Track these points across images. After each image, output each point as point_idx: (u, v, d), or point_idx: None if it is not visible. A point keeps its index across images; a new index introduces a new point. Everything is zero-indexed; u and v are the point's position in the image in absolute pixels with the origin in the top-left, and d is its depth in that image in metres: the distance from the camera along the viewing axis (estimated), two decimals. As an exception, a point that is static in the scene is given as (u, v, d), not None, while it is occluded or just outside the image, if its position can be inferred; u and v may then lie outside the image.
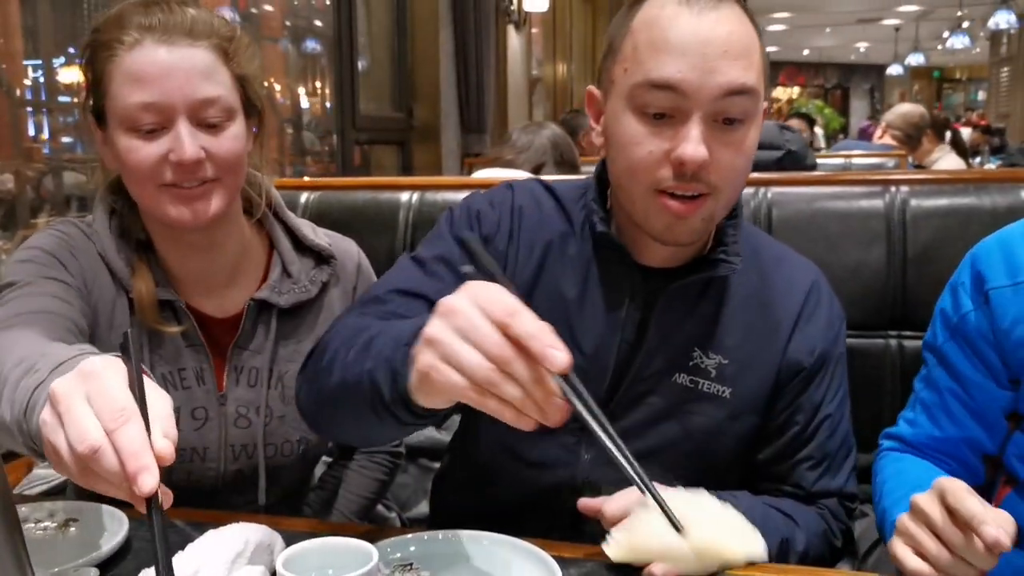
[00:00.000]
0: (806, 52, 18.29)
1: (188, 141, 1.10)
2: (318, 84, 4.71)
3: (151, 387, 0.72)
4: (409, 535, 1.03)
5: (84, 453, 0.66)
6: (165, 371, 1.21)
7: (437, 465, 1.72)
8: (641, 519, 0.93)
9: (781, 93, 20.79)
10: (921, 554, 0.90)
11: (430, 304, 1.05)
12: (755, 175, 2.38)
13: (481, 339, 0.75)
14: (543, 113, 8.15)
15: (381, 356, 0.89)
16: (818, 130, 7.07)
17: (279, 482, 1.30)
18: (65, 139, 3.12)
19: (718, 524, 0.94)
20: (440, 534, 1.04)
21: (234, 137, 1.15)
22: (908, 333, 1.49)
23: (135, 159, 1.11)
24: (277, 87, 4.29)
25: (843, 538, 1.19)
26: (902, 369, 1.46)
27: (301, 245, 1.31)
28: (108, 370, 0.71)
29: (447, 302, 0.78)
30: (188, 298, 1.23)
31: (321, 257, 1.31)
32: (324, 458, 1.49)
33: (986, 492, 1.15)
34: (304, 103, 4.67)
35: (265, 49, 4.20)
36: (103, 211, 1.23)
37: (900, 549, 0.92)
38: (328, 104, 4.51)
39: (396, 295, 1.12)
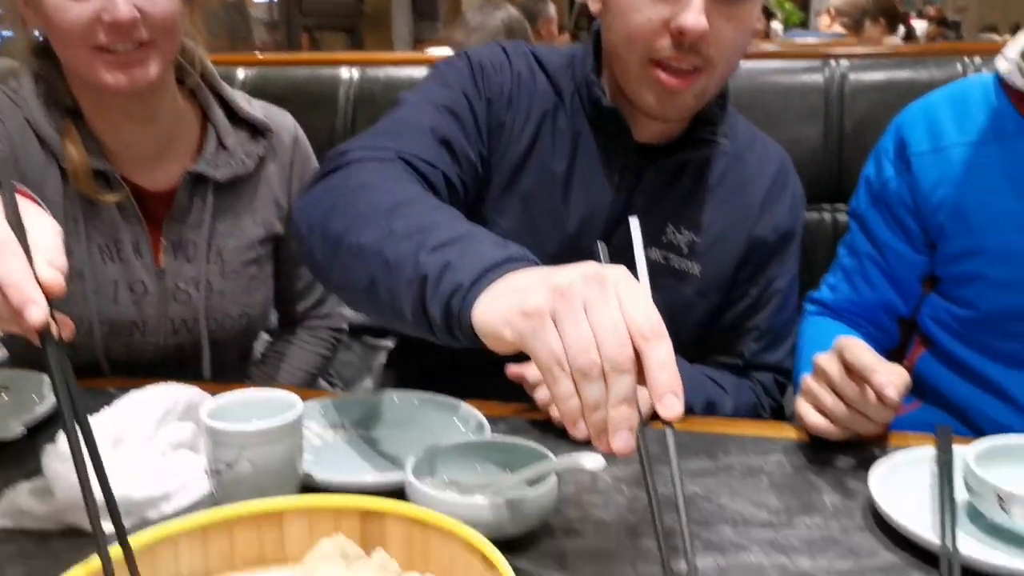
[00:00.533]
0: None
1: (122, 0, 1.05)
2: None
3: (35, 216, 0.67)
4: (339, 396, 1.05)
5: None
6: (101, 242, 1.19)
7: (381, 342, 1.74)
8: None
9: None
10: (821, 410, 0.93)
11: (453, 155, 1.03)
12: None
13: (608, 332, 0.59)
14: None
15: (438, 270, 0.71)
16: (777, 24, 6.96)
17: (221, 356, 1.30)
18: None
19: None
20: (371, 394, 1.06)
21: None
22: (842, 206, 1.51)
23: (65, 19, 1.06)
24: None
25: (772, 414, 1.23)
26: (834, 240, 1.47)
27: (236, 117, 1.28)
28: None
29: (589, 270, 0.62)
30: (120, 169, 1.20)
31: (256, 130, 1.28)
32: (264, 336, 1.50)
33: (901, 353, 1.19)
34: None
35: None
36: (28, 76, 1.18)
37: (803, 407, 0.95)
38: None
39: (431, 139, 1.02)
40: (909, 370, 1.16)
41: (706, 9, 0.98)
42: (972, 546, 0.75)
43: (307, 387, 1.44)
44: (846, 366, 0.89)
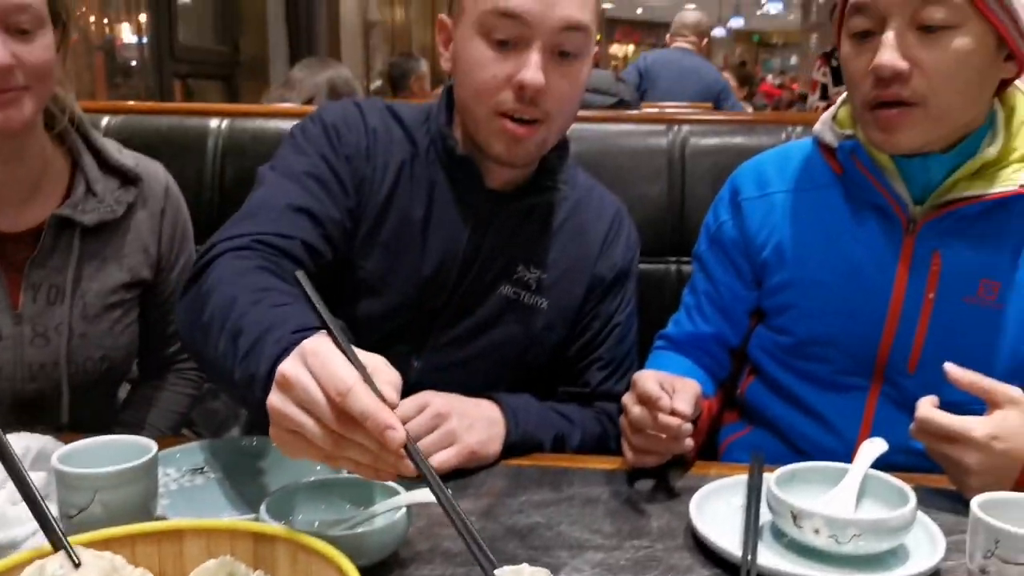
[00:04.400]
0: (639, 11, 18.83)
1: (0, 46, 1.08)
2: (141, 18, 4.46)
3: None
4: (198, 442, 1.08)
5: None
6: None
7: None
8: None
9: (618, 50, 21.29)
10: (630, 444, 1.04)
11: (313, 219, 1.12)
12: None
13: (319, 415, 0.72)
14: (381, 58, 8.04)
15: (247, 369, 0.83)
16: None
17: (82, 403, 1.30)
18: None
19: None
20: (231, 439, 1.09)
21: (45, 46, 1.14)
22: (685, 259, 1.63)
23: None
24: (91, 18, 4.03)
25: (618, 442, 1.32)
26: (679, 288, 1.60)
27: (107, 164, 1.30)
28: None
29: (286, 373, 0.73)
30: None
31: (127, 178, 1.31)
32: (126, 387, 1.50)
33: (734, 382, 1.32)
34: (125, 35, 4.41)
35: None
36: None
37: (622, 443, 1.06)
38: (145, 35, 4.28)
39: (287, 212, 1.10)
40: (741, 397, 1.29)
41: (543, 67, 1.09)
42: (770, 559, 0.84)
43: (176, 431, 1.45)
44: (640, 399, 0.99)
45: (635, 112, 2.21)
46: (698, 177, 1.64)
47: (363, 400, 0.70)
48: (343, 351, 0.74)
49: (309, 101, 2.86)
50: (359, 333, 1.17)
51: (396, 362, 1.19)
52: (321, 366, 0.72)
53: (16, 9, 1.10)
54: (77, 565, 0.64)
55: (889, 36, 1.05)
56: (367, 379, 0.73)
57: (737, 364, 1.32)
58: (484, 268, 1.22)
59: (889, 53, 1.05)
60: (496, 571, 0.70)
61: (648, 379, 1.00)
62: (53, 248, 1.24)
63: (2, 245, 1.21)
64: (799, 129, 1.63)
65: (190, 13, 4.53)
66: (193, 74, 4.53)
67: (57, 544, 0.66)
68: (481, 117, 1.14)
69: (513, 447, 1.12)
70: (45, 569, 0.64)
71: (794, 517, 0.84)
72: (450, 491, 0.74)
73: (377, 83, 7.59)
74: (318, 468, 1.01)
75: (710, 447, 1.33)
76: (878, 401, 1.17)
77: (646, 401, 0.99)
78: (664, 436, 0.99)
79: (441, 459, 1.03)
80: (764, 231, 1.24)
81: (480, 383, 1.19)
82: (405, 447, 0.72)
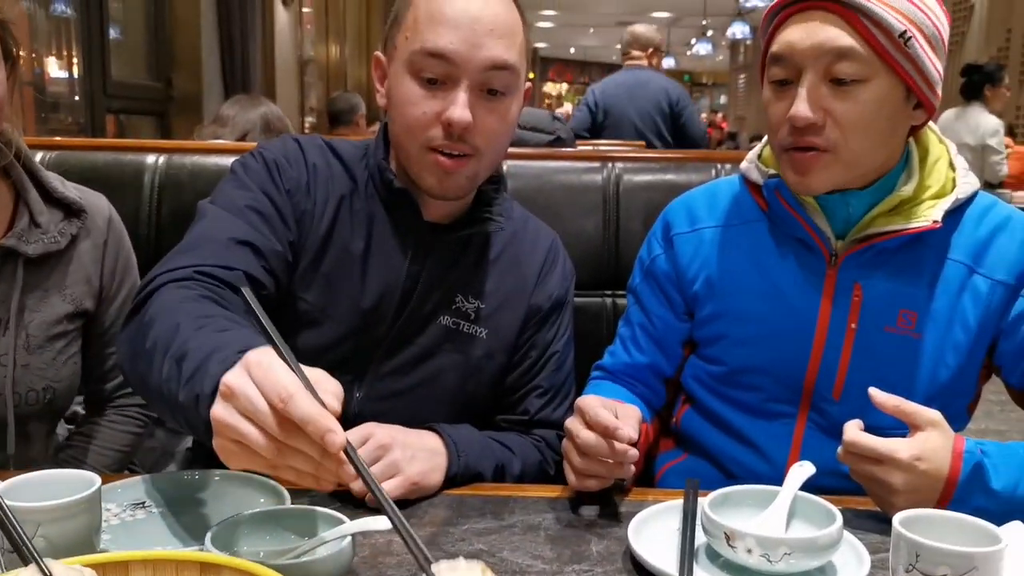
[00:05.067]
0: (572, 51, 19.22)
1: None
2: (70, 53, 4.39)
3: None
4: (138, 477, 1.07)
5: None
6: None
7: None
8: None
9: (551, 88, 21.65)
10: (575, 468, 1.06)
11: (256, 252, 1.14)
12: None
13: (262, 423, 0.75)
14: (316, 95, 8.04)
15: (192, 389, 0.84)
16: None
17: (26, 434, 1.28)
18: None
19: None
20: (172, 474, 1.08)
21: (2, 83, 1.14)
22: (620, 292, 1.68)
23: None
24: (22, 53, 3.95)
25: (556, 468, 1.35)
26: (615, 322, 1.65)
27: (50, 197, 1.30)
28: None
29: (230, 383, 0.77)
30: None
31: (71, 210, 1.31)
32: (65, 425, 1.47)
33: (669, 411, 1.36)
34: (54, 70, 4.34)
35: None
36: None
37: (565, 468, 1.09)
38: (76, 71, 4.22)
39: (230, 244, 1.12)
40: (676, 426, 1.33)
41: (471, 104, 1.14)
42: (706, 578, 0.88)
43: (117, 468, 1.43)
44: (592, 426, 1.02)
45: (571, 150, 2.27)
46: (632, 212, 1.69)
47: (304, 406, 0.73)
48: (286, 362, 0.77)
49: (243, 137, 2.86)
50: (301, 363, 1.17)
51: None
52: (264, 375, 0.75)
53: None
54: None
55: (803, 89, 1.12)
56: (309, 388, 0.75)
57: (672, 393, 1.36)
58: (423, 298, 1.24)
59: (802, 105, 1.12)
60: (432, 566, 0.73)
61: (596, 406, 1.03)
62: None
63: None
64: (728, 166, 1.70)
65: (122, 48, 4.49)
66: (126, 110, 4.47)
67: (26, 559, 0.66)
68: (413, 152, 1.18)
69: (455, 478, 1.14)
70: None
71: (727, 538, 0.88)
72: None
73: (310, 119, 7.60)
74: (261, 500, 1.01)
75: (647, 474, 1.37)
76: (806, 427, 1.22)
77: (600, 429, 1.01)
78: (611, 461, 1.02)
79: (384, 490, 1.04)
80: (695, 264, 1.29)
81: (422, 413, 1.20)
82: (345, 452, 0.75)
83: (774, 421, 1.23)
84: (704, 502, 0.93)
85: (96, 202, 1.37)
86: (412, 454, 1.09)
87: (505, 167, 1.74)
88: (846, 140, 1.13)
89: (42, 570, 0.65)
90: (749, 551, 0.86)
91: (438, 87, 1.15)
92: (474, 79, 1.14)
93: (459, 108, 1.13)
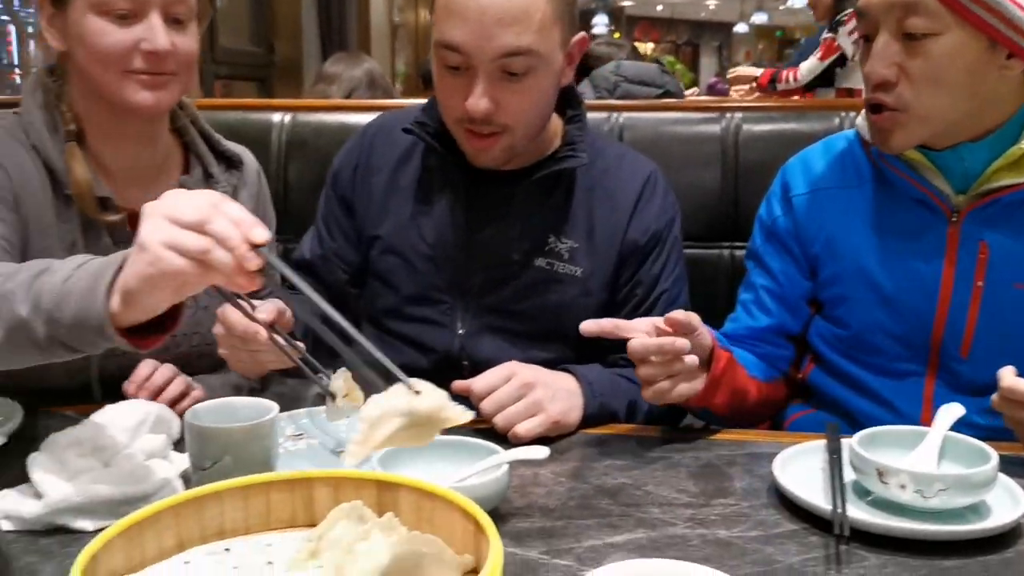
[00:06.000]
0: (659, 8, 18.81)
1: (162, 33, 1.16)
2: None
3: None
4: (302, 409, 1.14)
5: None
6: None
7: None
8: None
9: (639, 47, 21.24)
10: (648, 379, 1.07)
11: (325, 260, 1.37)
12: (609, 102, 2.54)
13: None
14: (405, 59, 8.11)
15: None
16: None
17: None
18: None
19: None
20: (322, 409, 1.14)
21: (193, 37, 1.22)
22: (738, 244, 1.67)
23: (107, 42, 1.15)
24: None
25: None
26: (732, 274, 1.65)
27: (216, 150, 1.37)
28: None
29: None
30: (117, 193, 1.25)
31: (231, 162, 1.38)
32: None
33: (796, 367, 1.35)
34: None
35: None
36: (37, 103, 1.23)
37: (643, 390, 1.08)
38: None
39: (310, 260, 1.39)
40: (803, 381, 1.33)
41: (490, 90, 1.16)
42: (856, 514, 0.88)
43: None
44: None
45: (687, 100, 2.25)
46: (752, 163, 1.68)
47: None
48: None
49: (349, 94, 2.91)
50: (399, 317, 1.32)
51: (439, 339, 1.30)
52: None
53: (176, 0, 1.17)
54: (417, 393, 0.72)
55: (877, 44, 1.10)
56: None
57: (799, 350, 1.35)
58: (514, 242, 1.28)
59: (874, 61, 1.10)
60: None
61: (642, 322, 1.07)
62: None
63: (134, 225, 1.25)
64: (852, 115, 1.66)
65: (227, 16, 4.62)
66: (232, 75, 4.62)
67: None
68: (450, 125, 1.25)
69: (591, 417, 1.17)
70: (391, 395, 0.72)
71: (880, 474, 0.88)
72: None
73: (398, 86, 7.67)
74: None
75: (776, 424, 1.37)
76: (935, 385, 1.21)
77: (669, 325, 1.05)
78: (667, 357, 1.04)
79: (528, 427, 1.08)
80: (814, 226, 1.28)
81: (527, 353, 1.23)
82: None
83: (904, 380, 1.22)
84: (852, 440, 0.94)
85: (247, 155, 1.43)
86: (552, 393, 1.12)
87: (620, 119, 1.75)
88: (918, 97, 1.10)
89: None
90: (903, 487, 0.87)
91: (460, 73, 1.18)
92: (489, 68, 1.16)
93: (474, 99, 1.16)
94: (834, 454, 0.97)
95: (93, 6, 1.15)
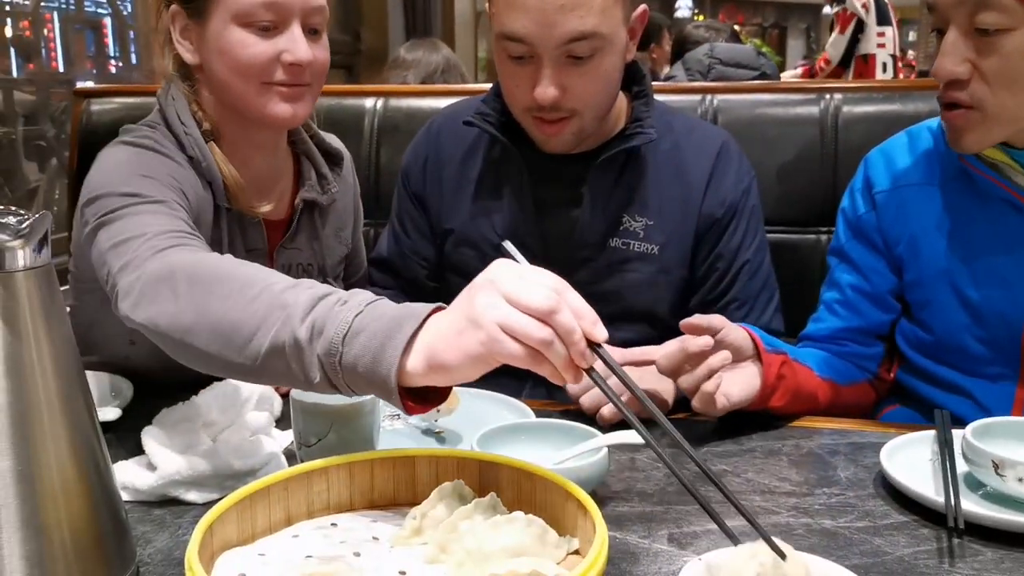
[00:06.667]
0: (745, -11, 18.39)
1: (303, 44, 1.15)
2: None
3: None
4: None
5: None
6: (247, 259, 1.23)
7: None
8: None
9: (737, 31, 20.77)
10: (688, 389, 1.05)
11: (403, 256, 1.43)
12: (702, 84, 2.49)
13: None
14: (487, 46, 8.12)
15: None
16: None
17: None
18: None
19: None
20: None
21: (326, 47, 1.21)
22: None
23: (249, 54, 1.13)
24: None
25: None
26: (830, 260, 1.60)
27: (321, 148, 1.36)
28: None
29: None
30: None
31: (334, 159, 1.38)
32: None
33: (886, 366, 1.30)
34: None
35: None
36: (181, 111, 1.19)
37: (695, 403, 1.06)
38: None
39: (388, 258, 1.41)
40: (891, 379, 1.28)
41: (556, 76, 1.16)
42: (969, 507, 0.85)
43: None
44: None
45: (784, 82, 2.20)
46: (852, 145, 1.61)
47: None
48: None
49: (425, 80, 2.93)
50: None
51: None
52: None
53: (315, 10, 1.16)
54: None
55: (947, 40, 1.05)
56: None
57: (888, 349, 1.29)
58: (588, 223, 1.28)
59: (944, 58, 1.05)
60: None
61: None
62: (298, 230, 1.31)
63: (263, 231, 1.27)
64: (959, 94, 1.60)
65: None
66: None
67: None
68: (519, 117, 1.26)
69: (680, 401, 1.14)
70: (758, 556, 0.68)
71: (996, 466, 0.85)
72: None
73: (482, 76, 7.69)
74: (507, 416, 1.07)
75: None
76: None
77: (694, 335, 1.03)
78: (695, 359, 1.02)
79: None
80: (897, 225, 1.23)
81: (610, 332, 1.21)
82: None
83: (995, 383, 1.17)
84: (966, 431, 0.90)
85: (343, 148, 1.43)
86: (639, 375, 1.11)
87: (714, 102, 1.72)
88: (993, 95, 1.05)
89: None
90: (1020, 480, 0.83)
91: (525, 63, 1.18)
92: (553, 55, 1.15)
93: (541, 87, 1.17)
94: (945, 444, 0.93)
95: (236, 17, 1.13)
